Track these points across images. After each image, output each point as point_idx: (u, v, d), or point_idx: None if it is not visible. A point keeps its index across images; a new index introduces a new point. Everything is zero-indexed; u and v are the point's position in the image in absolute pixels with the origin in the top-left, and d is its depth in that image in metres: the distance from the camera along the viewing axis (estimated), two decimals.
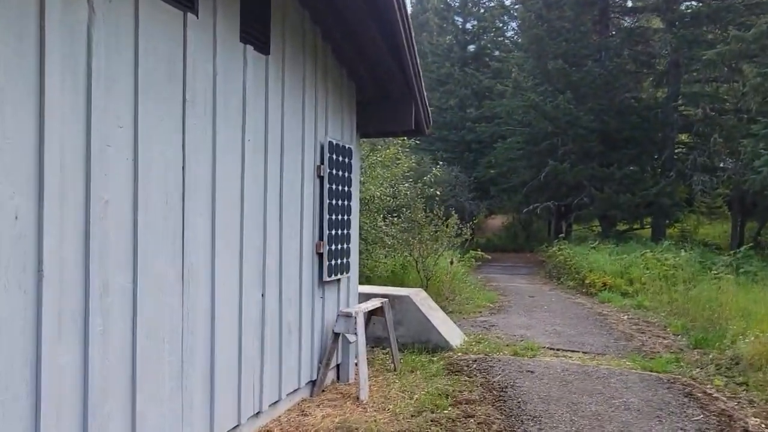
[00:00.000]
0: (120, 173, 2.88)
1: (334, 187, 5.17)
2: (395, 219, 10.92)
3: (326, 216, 5.03)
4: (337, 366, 5.62)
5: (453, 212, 11.28)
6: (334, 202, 5.17)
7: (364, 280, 9.97)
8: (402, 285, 9.89)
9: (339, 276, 5.34)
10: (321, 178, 5.04)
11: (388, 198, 10.64)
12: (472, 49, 32.41)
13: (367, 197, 10.08)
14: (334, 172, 5.16)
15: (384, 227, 10.74)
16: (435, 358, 6.31)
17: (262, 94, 4.13)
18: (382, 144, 11.51)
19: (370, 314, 6.01)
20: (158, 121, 3.12)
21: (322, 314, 5.20)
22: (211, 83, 3.55)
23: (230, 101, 3.74)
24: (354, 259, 5.89)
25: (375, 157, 10.68)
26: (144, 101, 2.99)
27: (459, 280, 11.72)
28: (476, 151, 28.83)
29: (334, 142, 5.16)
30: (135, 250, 2.97)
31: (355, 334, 5.04)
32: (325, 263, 5.03)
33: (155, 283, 3.11)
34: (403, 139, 11.74)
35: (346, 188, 5.43)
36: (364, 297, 6.78)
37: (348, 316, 5.07)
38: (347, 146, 5.44)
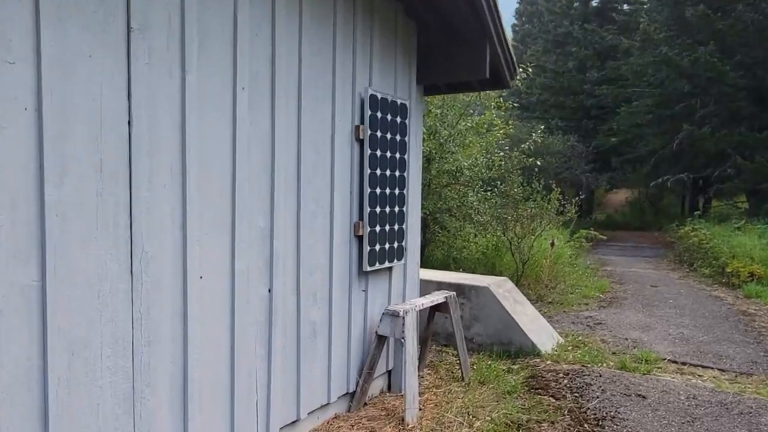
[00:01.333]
0: (16, 130, 2.06)
1: (380, 153, 4.10)
2: (488, 193, 9.59)
3: (367, 189, 3.98)
4: (389, 373, 4.63)
5: (554, 186, 9.67)
6: (380, 172, 4.10)
7: (451, 261, 8.85)
8: (493, 269, 8.65)
9: (388, 264, 4.29)
10: (361, 142, 3.99)
11: (481, 169, 9.32)
12: (595, 4, 29.07)
13: (454, 168, 8.85)
14: (380, 134, 4.08)
15: (475, 203, 9.47)
16: (516, 367, 5.10)
17: (268, 21, 3.15)
18: (476, 107, 10.14)
19: (434, 310, 4.92)
20: (81, 57, 2.25)
21: (365, 311, 4.21)
22: (178, 4, 2.62)
23: (210, 32, 2.79)
24: (413, 243, 4.81)
25: (465, 123, 9.37)
26: (53, 25, 2.13)
27: (564, 263, 10.17)
28: (596, 117, 26.02)
29: (381, 96, 4.07)
30: (42, 238, 2.15)
31: (402, 338, 4.00)
32: (366, 249, 4.01)
33: (80, 281, 2.28)
34: (502, 104, 10.27)
35: (398, 155, 4.33)
36: (435, 286, 5.72)
37: (395, 315, 4.03)
38: (401, 102, 4.32)
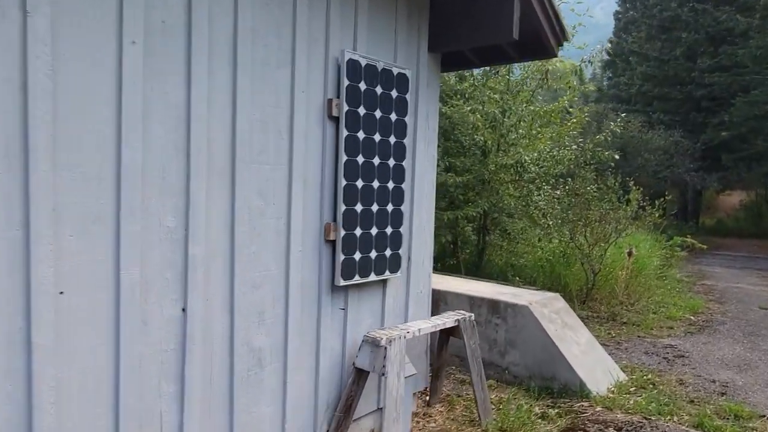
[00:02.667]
0: None
1: (364, 135, 3.21)
2: (557, 192, 8.32)
3: (342, 181, 3.11)
4: (380, 411, 3.73)
5: (632, 185, 8.19)
6: (363, 159, 3.21)
7: (509, 268, 7.74)
8: (557, 280, 7.44)
9: (376, 276, 3.40)
10: (336, 120, 3.12)
11: (550, 164, 8.08)
12: None
13: (513, 162, 7.70)
14: (364, 111, 3.19)
15: (541, 203, 8.25)
16: (554, 411, 4.00)
17: None
18: (545, 93, 8.86)
19: (447, 334, 3.96)
20: None
21: (343, 336, 3.35)
22: None
23: None
24: (421, 250, 3.88)
25: (529, 109, 8.17)
26: None
27: (650, 276, 8.65)
28: (706, 110, 23.13)
29: (366, 63, 3.17)
30: None
31: (383, 373, 3.09)
32: (339, 258, 3.14)
33: None
34: (577, 86, 8.91)
35: (394, 139, 3.41)
36: (466, 301, 4.77)
37: (375, 343, 3.13)
38: (399, 72, 3.40)
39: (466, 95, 8.09)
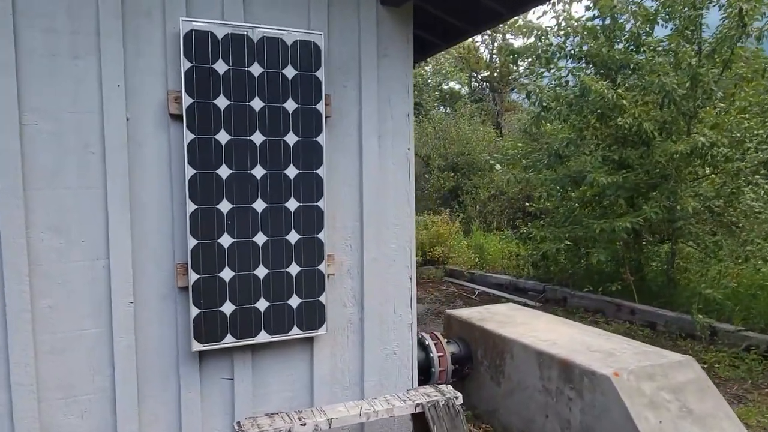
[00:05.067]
0: None
1: (229, 137, 2.24)
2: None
3: (189, 206, 2.19)
4: None
5: None
6: (232, 171, 2.25)
7: (697, 301, 5.58)
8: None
9: (273, 336, 2.37)
10: (179, 119, 2.23)
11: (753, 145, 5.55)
12: None
13: (698, 147, 5.40)
14: (226, 102, 2.23)
15: (756, 203, 5.74)
16: None
17: None
18: None
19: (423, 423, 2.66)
20: None
21: (232, 416, 2.40)
22: None
23: None
24: (382, 294, 2.68)
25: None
26: None
27: None
28: None
29: (225, 33, 2.21)
30: None
31: None
32: (192, 312, 2.22)
33: None
34: None
35: (294, 138, 2.35)
36: (533, 360, 3.36)
37: None
38: (297, 39, 2.33)
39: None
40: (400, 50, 2.65)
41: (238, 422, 2.22)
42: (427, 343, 3.98)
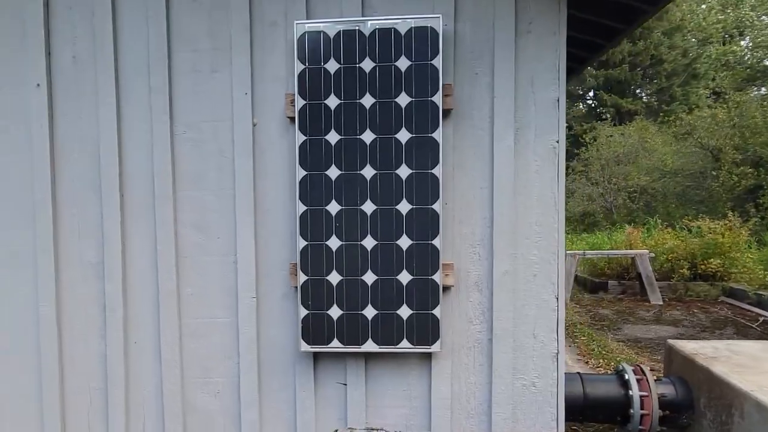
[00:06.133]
0: None
1: (338, 138, 2.20)
2: None
3: (299, 207, 2.22)
4: None
5: None
6: (341, 172, 2.20)
7: None
8: None
9: (380, 346, 2.22)
10: (294, 122, 2.26)
11: None
12: None
13: None
14: (337, 102, 2.19)
15: None
16: None
17: None
18: None
19: None
20: None
21: (345, 420, 2.35)
22: None
23: None
24: (520, 313, 2.27)
25: None
26: None
27: None
28: None
29: (337, 30, 2.17)
30: None
31: None
32: (300, 312, 2.24)
33: None
34: None
35: (407, 135, 2.16)
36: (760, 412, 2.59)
37: None
38: (411, 27, 2.14)
39: None
40: (547, 23, 2.20)
41: (336, 430, 2.15)
42: (626, 377, 3.28)
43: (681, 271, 8.42)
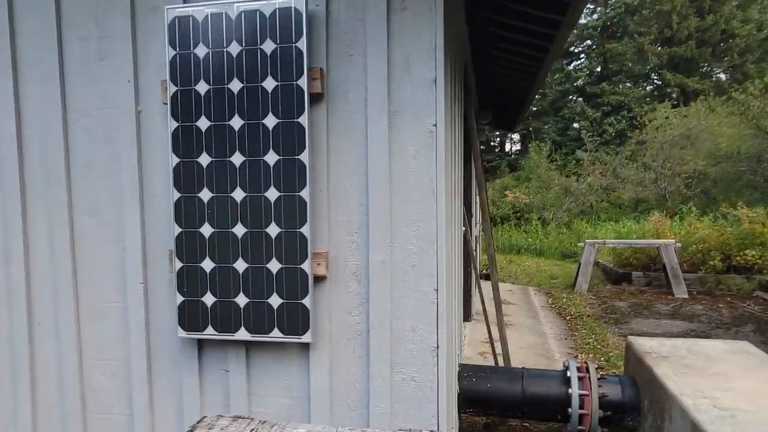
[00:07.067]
0: None
1: (209, 123, 2.17)
2: None
3: (173, 194, 2.22)
4: None
5: None
6: (212, 159, 2.18)
7: None
8: None
9: (252, 335, 2.20)
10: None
11: None
12: None
13: None
14: (206, 87, 2.16)
15: None
16: None
17: None
18: None
19: None
20: None
21: (227, 407, 2.36)
22: None
23: None
24: (398, 305, 2.19)
25: None
26: None
27: None
28: None
29: (205, 14, 2.13)
30: None
31: None
32: (177, 299, 2.25)
33: None
34: None
35: (274, 120, 2.11)
36: (689, 430, 2.46)
37: None
38: (276, 8, 2.07)
39: None
40: (426, 0, 2.07)
41: (204, 417, 2.15)
42: (569, 374, 3.11)
43: (712, 262, 7.86)
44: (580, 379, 3.08)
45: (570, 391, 3.05)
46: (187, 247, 2.21)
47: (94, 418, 2.49)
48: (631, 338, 3.40)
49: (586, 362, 3.17)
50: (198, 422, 2.08)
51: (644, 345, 3.26)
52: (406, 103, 2.11)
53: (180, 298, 2.24)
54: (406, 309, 2.18)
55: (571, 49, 27.33)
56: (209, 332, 2.23)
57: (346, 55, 2.14)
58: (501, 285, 8.74)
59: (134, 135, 2.32)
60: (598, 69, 26.56)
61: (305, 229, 2.12)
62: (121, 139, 2.34)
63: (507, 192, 18.66)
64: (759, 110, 12.37)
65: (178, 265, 2.23)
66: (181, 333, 2.25)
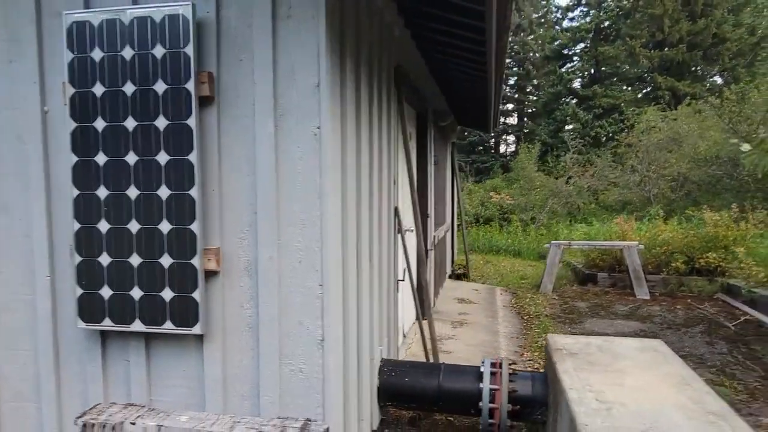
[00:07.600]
0: None
1: (105, 124, 2.27)
2: None
3: (72, 191, 2.32)
4: None
5: None
6: (108, 158, 2.27)
7: None
8: None
9: (147, 326, 2.30)
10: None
11: None
12: None
13: None
14: (102, 90, 2.26)
15: None
16: None
17: None
18: None
19: None
20: None
21: (128, 396, 2.45)
22: None
23: None
24: (287, 301, 2.28)
25: None
26: None
27: None
28: None
29: (101, 19, 2.23)
30: None
31: None
32: (77, 291, 2.35)
33: None
34: None
35: (164, 122, 2.20)
36: (567, 423, 2.57)
37: None
38: (165, 15, 2.17)
39: None
40: (306, 7, 2.17)
41: (97, 404, 2.25)
42: (482, 370, 3.22)
43: (675, 264, 7.96)
44: (492, 374, 3.18)
45: (481, 385, 3.15)
46: (86, 242, 2.31)
47: (7, 407, 2.59)
48: (549, 336, 3.51)
49: (500, 359, 3.28)
50: (90, 409, 2.19)
51: (558, 342, 3.36)
52: (292, 107, 2.21)
53: (79, 291, 2.34)
54: (294, 303, 2.28)
55: (564, 51, 27.43)
56: (107, 323, 2.33)
57: (236, 59, 2.24)
58: (469, 284, 8.84)
59: (41, 134, 2.42)
60: (591, 71, 26.69)
61: (195, 226, 2.22)
62: (30, 139, 2.43)
63: (492, 193, 18.76)
64: (735, 114, 12.48)
65: (78, 259, 2.33)
66: (81, 324, 2.35)
